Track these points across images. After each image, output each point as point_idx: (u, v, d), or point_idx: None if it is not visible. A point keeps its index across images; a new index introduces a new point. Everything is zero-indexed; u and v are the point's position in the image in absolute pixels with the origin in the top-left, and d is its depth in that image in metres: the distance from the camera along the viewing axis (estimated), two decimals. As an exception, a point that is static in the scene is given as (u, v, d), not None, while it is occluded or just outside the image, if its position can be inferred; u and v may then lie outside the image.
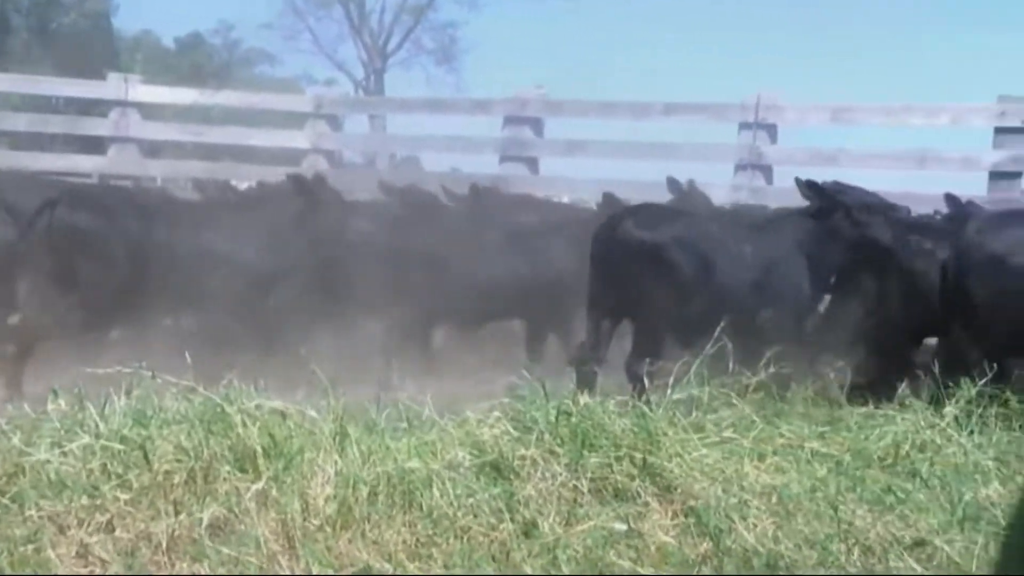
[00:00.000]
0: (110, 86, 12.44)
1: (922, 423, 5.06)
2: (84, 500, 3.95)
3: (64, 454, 4.17)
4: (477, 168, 11.75)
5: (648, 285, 6.21)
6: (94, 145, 12.86)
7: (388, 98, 27.18)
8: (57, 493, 3.99)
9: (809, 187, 6.70)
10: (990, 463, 4.77)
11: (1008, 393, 5.46)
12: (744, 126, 10.36)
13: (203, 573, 3.73)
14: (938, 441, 4.95)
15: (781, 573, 3.84)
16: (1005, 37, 50.01)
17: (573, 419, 4.53)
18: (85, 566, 3.75)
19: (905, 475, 4.61)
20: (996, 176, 9.43)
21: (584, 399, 4.71)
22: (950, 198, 7.03)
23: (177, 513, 3.90)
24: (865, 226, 6.55)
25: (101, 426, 4.30)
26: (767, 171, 10.24)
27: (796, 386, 5.92)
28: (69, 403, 4.56)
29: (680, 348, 5.87)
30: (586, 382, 5.86)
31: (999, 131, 9.55)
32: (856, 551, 3.98)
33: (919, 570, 3.86)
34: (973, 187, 8.63)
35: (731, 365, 5.33)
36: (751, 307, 6.29)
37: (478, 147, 11.96)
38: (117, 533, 3.86)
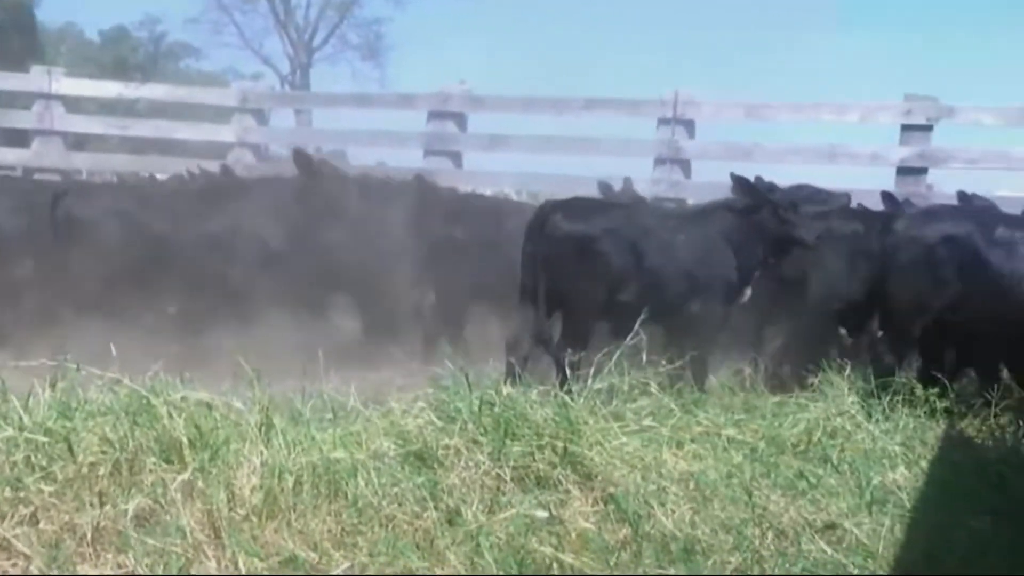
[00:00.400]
0: (33, 79, 12.23)
1: (833, 411, 5.21)
2: (7, 493, 3.94)
3: (-14, 447, 4.15)
4: (402, 162, 11.77)
5: (575, 277, 6.31)
6: (17, 138, 12.63)
7: (314, 93, 27.04)
8: (-21, 486, 3.98)
9: (740, 183, 6.85)
10: (896, 448, 4.93)
11: (915, 382, 5.65)
12: (663, 121, 10.51)
13: (129, 564, 3.73)
14: (848, 428, 5.11)
15: (698, 557, 3.95)
16: (912, 38, 51.39)
17: (496, 409, 4.61)
18: (8, 558, 3.74)
19: (817, 461, 4.74)
20: (903, 171, 9.73)
21: (507, 389, 4.79)
22: (887, 196, 7.30)
23: (102, 505, 3.90)
24: (789, 223, 6.70)
25: (25, 418, 4.29)
26: (686, 166, 10.40)
27: (714, 375, 6.06)
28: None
29: (610, 338, 5.96)
30: (512, 372, 5.94)
31: (905, 128, 9.85)
32: (770, 535, 4.11)
33: (830, 552, 3.98)
34: (882, 182, 8.85)
35: (646, 356, 5.44)
36: (678, 299, 6.41)
37: (403, 141, 11.97)
38: (41, 525, 3.86)
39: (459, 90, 11.48)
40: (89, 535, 3.80)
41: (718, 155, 10.53)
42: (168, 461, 4.15)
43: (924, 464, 4.85)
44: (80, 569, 3.71)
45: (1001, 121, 10.00)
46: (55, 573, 3.68)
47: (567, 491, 4.31)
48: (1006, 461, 5.26)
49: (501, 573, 3.74)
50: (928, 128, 9.77)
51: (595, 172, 8.94)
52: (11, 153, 12.21)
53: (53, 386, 4.63)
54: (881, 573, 3.88)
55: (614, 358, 5.17)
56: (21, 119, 12.47)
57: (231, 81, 23.83)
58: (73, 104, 12.61)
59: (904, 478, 4.58)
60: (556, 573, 3.79)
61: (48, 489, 3.96)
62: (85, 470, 4.06)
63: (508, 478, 4.33)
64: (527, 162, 11.24)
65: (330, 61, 39.70)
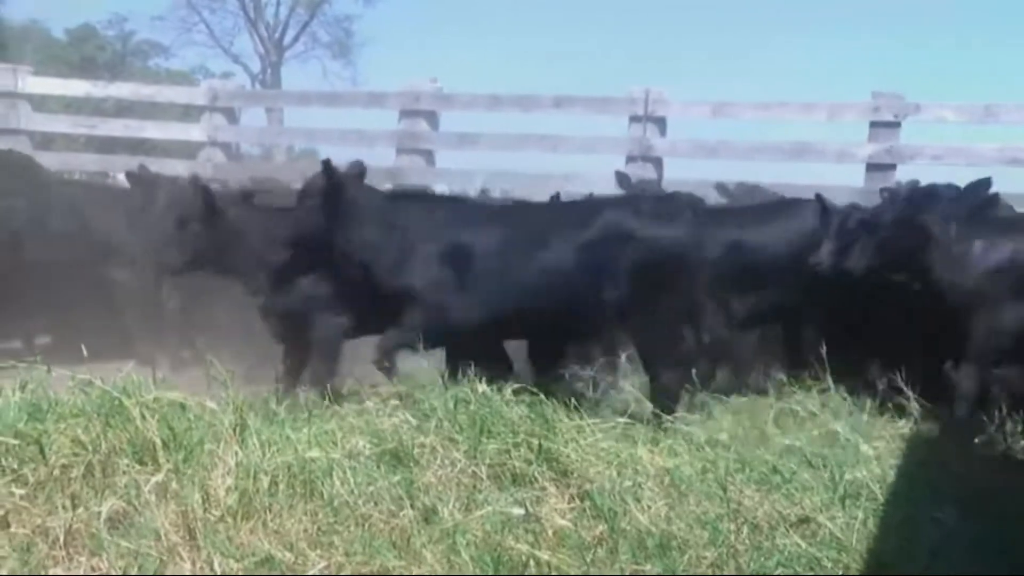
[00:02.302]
0: (-2, 77, 12.12)
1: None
2: (-22, 496, 3.91)
3: (-44, 450, 4.12)
4: (374, 161, 11.75)
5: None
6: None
7: (285, 91, 26.90)
8: (-50, 489, 3.94)
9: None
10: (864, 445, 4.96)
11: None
12: (635, 119, 10.55)
13: (103, 567, 3.71)
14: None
15: (674, 553, 3.97)
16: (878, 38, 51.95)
17: (471, 407, 4.61)
18: (-21, 562, 3.72)
19: (790, 455, 4.77)
20: (872, 168, 9.84)
21: (482, 387, 4.80)
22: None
23: (75, 507, 3.88)
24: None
25: (-6, 421, 4.26)
26: (657, 163, 10.46)
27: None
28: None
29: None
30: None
31: (874, 125, 9.97)
32: (745, 529, 4.12)
33: (804, 546, 4.00)
34: (850, 178, 8.96)
35: None
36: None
37: (375, 140, 11.95)
38: (12, 529, 3.83)
39: (430, 88, 11.47)
40: (62, 538, 3.77)
41: (687, 152, 10.62)
42: (142, 462, 4.13)
43: (894, 460, 4.88)
44: (53, 572, 3.68)
45: (964, 118, 10.14)
46: (27, 577, 3.65)
47: (543, 488, 4.32)
48: (967, 456, 5.33)
49: (478, 571, 3.75)
50: (896, 125, 9.90)
51: (565, 169, 8.96)
52: (-23, 152, 12.08)
53: (23, 388, 4.60)
54: (854, 566, 3.91)
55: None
56: (-15, 118, 12.35)
57: (201, 80, 23.70)
58: (40, 103, 12.50)
59: (874, 474, 4.61)
60: (533, 570, 3.79)
61: (19, 492, 3.94)
62: (57, 472, 4.04)
63: (484, 476, 4.34)
64: (498, 159, 11.27)
65: (301, 59, 39.76)
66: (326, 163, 6.12)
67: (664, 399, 5.61)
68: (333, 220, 5.97)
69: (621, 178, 8.42)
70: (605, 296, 5.76)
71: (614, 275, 5.75)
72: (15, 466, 4.07)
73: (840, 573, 3.89)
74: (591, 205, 6.48)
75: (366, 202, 6.06)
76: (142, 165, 9.02)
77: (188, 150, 12.94)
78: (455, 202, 6.86)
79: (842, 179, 8.09)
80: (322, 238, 5.99)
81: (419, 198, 6.59)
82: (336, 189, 5.99)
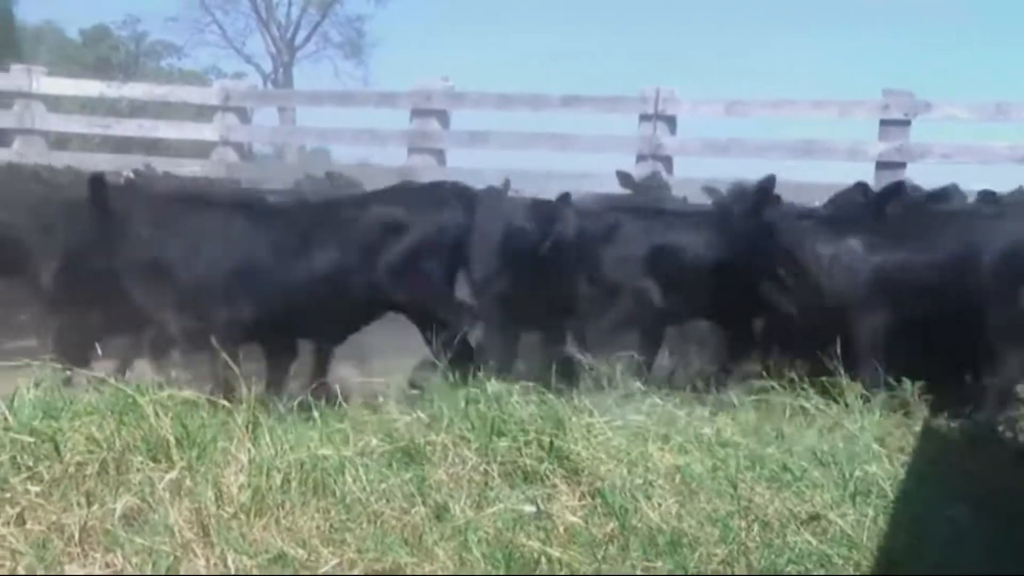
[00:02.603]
0: (14, 77, 12.19)
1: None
2: (-7, 493, 3.95)
3: (-28, 447, 4.15)
4: (386, 160, 11.82)
5: None
6: (-3, 137, 12.59)
7: (297, 91, 27.00)
8: (-34, 487, 3.98)
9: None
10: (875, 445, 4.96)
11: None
12: (644, 118, 10.57)
13: (117, 563, 3.74)
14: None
15: (685, 550, 3.98)
16: (888, 36, 51.93)
17: (481, 406, 4.63)
18: (-4, 558, 3.75)
19: (800, 453, 4.77)
20: (882, 166, 9.85)
21: (492, 386, 4.82)
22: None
23: (90, 504, 3.90)
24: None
25: (10, 418, 4.29)
26: (667, 162, 10.46)
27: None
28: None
29: None
30: None
31: (884, 123, 9.97)
32: (756, 527, 4.12)
33: (815, 543, 4.01)
34: (860, 176, 8.94)
35: None
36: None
37: (386, 139, 11.99)
38: (28, 525, 3.85)
39: (441, 87, 11.50)
40: (77, 535, 3.79)
41: (697, 151, 10.64)
42: (155, 460, 4.16)
43: (904, 457, 4.88)
44: (68, 569, 3.71)
45: (975, 116, 10.13)
46: (43, 573, 3.68)
47: (554, 486, 4.33)
48: (979, 453, 5.32)
49: (489, 568, 3.76)
50: (906, 123, 9.91)
51: (575, 168, 9.00)
52: (-8, 152, 12.16)
53: (37, 385, 4.64)
54: (865, 563, 3.92)
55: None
56: (2, 118, 12.42)
57: (214, 80, 23.77)
58: (54, 103, 12.57)
59: (885, 471, 4.61)
60: (544, 567, 3.80)
61: (35, 489, 3.96)
62: (72, 470, 4.07)
63: (495, 474, 4.35)
64: (509, 158, 11.30)
65: (312, 59, 39.73)
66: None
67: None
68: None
69: (623, 178, 8.43)
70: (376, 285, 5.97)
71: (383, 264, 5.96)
72: (31, 463, 4.09)
73: (851, 570, 3.89)
74: (358, 199, 6.65)
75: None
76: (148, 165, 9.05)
77: (201, 150, 12.99)
78: (237, 202, 6.90)
79: (852, 177, 8.09)
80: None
81: (198, 200, 6.59)
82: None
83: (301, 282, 5.93)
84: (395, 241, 6.00)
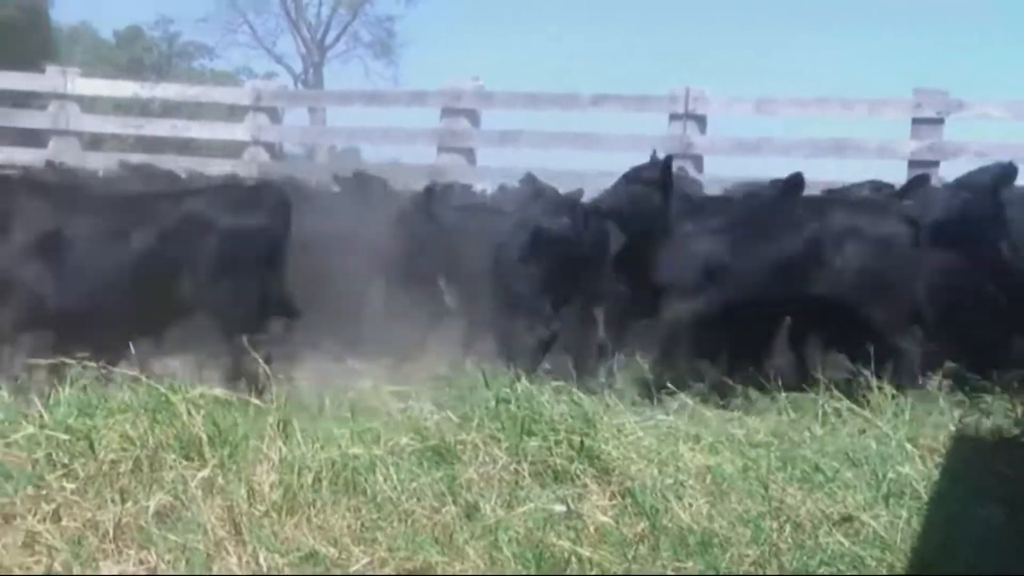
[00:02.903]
0: (48, 79, 12.31)
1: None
2: (30, 490, 3.99)
3: (8, 445, 4.21)
4: (416, 159, 11.84)
5: None
6: (31, 138, 12.71)
7: (327, 91, 27.08)
8: (2, 484, 4.03)
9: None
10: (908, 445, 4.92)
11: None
12: (675, 117, 10.55)
13: (151, 560, 3.77)
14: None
15: (716, 550, 3.96)
16: (921, 34, 51.62)
17: (512, 405, 4.64)
18: (32, 555, 3.77)
19: (832, 454, 4.74)
20: (915, 164, 9.79)
21: (523, 385, 4.82)
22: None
23: (124, 501, 3.94)
24: None
25: (46, 416, 4.33)
26: (698, 161, 10.44)
27: None
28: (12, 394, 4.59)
29: None
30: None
31: (916, 121, 9.92)
32: (787, 528, 4.10)
33: (847, 544, 3.99)
34: (892, 175, 8.90)
35: None
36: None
37: (416, 138, 12.02)
38: (64, 522, 3.90)
39: (471, 86, 11.52)
40: (111, 532, 3.84)
41: (727, 150, 10.61)
42: (188, 458, 4.19)
43: (937, 458, 4.84)
44: (103, 565, 3.75)
45: (1009, 115, 10.05)
46: (78, 571, 3.72)
47: (584, 485, 4.32)
48: (1012, 454, 5.27)
49: (519, 567, 3.77)
50: (939, 121, 9.85)
51: (604, 167, 8.99)
52: (28, 153, 12.27)
53: (72, 384, 4.69)
54: (898, 564, 3.89)
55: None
56: (37, 119, 12.55)
57: (245, 81, 23.92)
58: (88, 104, 12.68)
59: (918, 472, 4.57)
60: (574, 566, 3.80)
61: (70, 486, 4.01)
62: (106, 467, 4.11)
63: (526, 473, 4.35)
64: (539, 157, 11.31)
65: (342, 59, 39.92)
66: None
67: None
68: None
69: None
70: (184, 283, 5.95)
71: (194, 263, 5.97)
72: (66, 461, 4.14)
73: (884, 572, 3.87)
74: (175, 195, 6.59)
75: None
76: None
77: (233, 150, 13.07)
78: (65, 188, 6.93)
79: (884, 176, 8.06)
80: None
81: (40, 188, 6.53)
82: None
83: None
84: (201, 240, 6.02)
